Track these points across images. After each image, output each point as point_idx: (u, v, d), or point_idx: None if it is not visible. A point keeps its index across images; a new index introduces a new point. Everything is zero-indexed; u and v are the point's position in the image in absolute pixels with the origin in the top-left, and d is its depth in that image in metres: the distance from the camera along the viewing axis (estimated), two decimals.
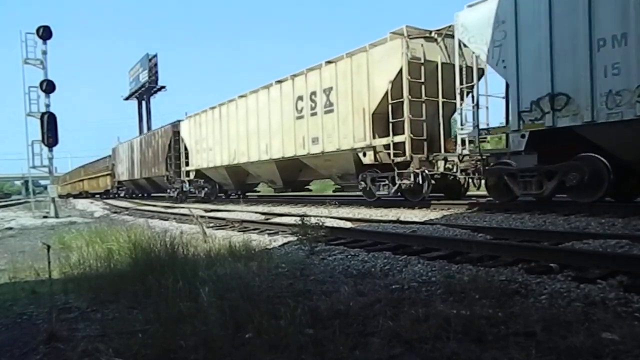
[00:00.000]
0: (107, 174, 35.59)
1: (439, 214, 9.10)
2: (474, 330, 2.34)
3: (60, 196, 50.71)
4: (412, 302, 2.98)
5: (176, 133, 22.50)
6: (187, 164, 21.41)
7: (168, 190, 23.83)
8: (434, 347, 2.22)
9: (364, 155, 11.62)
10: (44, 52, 15.67)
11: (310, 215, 6.30)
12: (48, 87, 15.52)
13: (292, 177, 15.85)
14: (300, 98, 13.66)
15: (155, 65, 51.88)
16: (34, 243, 7.46)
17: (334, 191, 16.60)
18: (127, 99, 58.70)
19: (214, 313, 2.65)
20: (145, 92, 53.89)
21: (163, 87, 52.99)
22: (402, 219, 8.20)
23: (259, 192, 21.82)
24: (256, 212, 11.52)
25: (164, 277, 3.36)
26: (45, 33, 15.47)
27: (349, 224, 7.92)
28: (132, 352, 2.32)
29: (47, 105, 15.60)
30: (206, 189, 20.58)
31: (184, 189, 21.90)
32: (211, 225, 8.83)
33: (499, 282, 3.29)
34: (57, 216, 14.88)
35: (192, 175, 21.28)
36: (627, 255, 3.95)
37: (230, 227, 8.71)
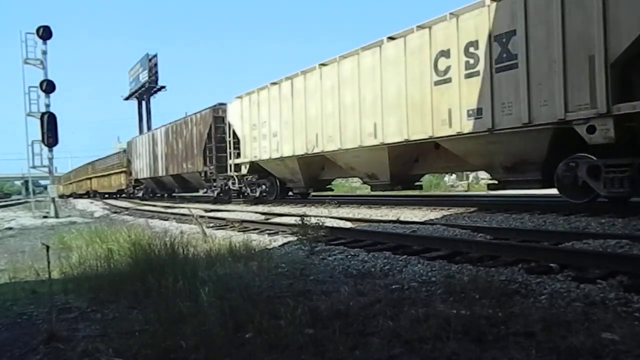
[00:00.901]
0: (121, 171, 31.56)
1: (439, 214, 9.10)
2: (474, 330, 2.34)
3: (63, 196, 49.93)
4: (412, 302, 2.98)
5: (218, 119, 18.30)
6: (238, 156, 16.87)
7: (205, 190, 20.25)
8: (434, 347, 2.22)
9: (591, 130, 7.00)
10: (44, 52, 15.68)
11: (310, 215, 6.30)
12: (48, 87, 15.53)
13: (408, 169, 11.51)
14: (444, 54, 9.26)
15: (155, 65, 51.89)
16: (33, 243, 7.46)
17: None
18: (127, 99, 58.71)
19: (214, 313, 2.65)
20: (145, 92, 53.89)
21: (163, 87, 53.03)
22: (402, 218, 8.21)
23: (332, 190, 16.77)
24: (256, 212, 11.52)
25: (164, 277, 3.36)
26: (45, 33, 15.48)
27: (349, 224, 7.92)
28: (132, 352, 2.32)
29: (47, 105, 15.61)
30: (263, 187, 16.42)
31: (230, 187, 17.91)
32: (211, 225, 8.83)
33: (499, 282, 3.29)
34: (57, 216, 14.89)
35: (244, 170, 16.65)
36: (627, 255, 3.94)
37: (230, 227, 8.70)
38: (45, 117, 15.34)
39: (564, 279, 3.42)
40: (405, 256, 4.56)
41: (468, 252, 4.58)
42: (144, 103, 55.22)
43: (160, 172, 24.22)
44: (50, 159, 16.41)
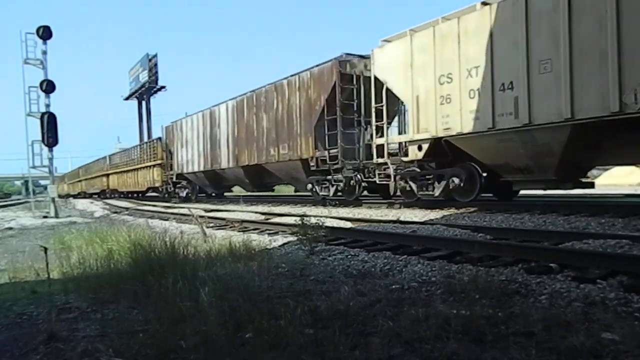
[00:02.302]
0: (153, 165, 24.76)
1: (439, 214, 9.10)
2: (474, 330, 2.34)
3: (68, 196, 48.10)
4: (412, 302, 2.98)
5: (346, 78, 12.09)
6: (399, 133, 11.52)
7: (312, 186, 13.69)
8: (434, 347, 2.22)
9: None
10: (44, 52, 15.70)
11: (310, 215, 6.31)
12: (48, 87, 15.54)
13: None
14: None
15: (155, 65, 51.92)
16: (34, 243, 7.46)
17: None
18: (127, 99, 58.74)
19: (214, 313, 2.65)
20: (145, 92, 53.91)
21: (163, 87, 53.05)
22: (402, 219, 8.21)
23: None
24: (256, 212, 11.51)
25: (164, 277, 3.36)
26: (45, 33, 15.49)
27: (348, 224, 7.92)
28: (132, 352, 2.32)
29: (47, 105, 15.63)
30: (456, 181, 9.60)
31: (378, 180, 11.26)
32: (211, 225, 8.83)
33: (499, 282, 3.29)
34: (57, 216, 14.89)
35: (418, 153, 10.11)
36: (627, 255, 3.95)
37: (230, 227, 8.71)
38: (45, 117, 15.35)
39: (564, 279, 3.41)
40: (405, 256, 4.56)
41: (468, 252, 4.58)
42: (144, 103, 55.25)
43: (224, 164, 17.68)
44: (50, 159, 16.43)
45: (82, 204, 27.33)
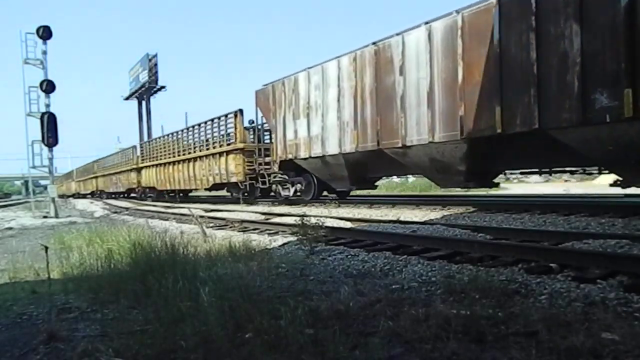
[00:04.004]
0: (228, 151, 16.52)
1: (439, 214, 9.09)
2: (474, 330, 2.34)
3: (76, 195, 43.54)
4: (412, 302, 2.98)
5: None
6: None
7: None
8: (434, 347, 2.22)
9: None
10: (44, 52, 15.70)
11: (310, 215, 6.31)
12: (48, 87, 15.55)
13: None
14: None
15: (155, 65, 51.90)
16: (34, 243, 7.46)
17: None
18: (127, 99, 58.73)
19: (214, 313, 2.65)
20: (145, 92, 53.90)
21: (163, 87, 53.04)
22: (402, 218, 8.21)
23: None
24: (256, 212, 11.51)
25: (164, 277, 3.36)
26: (45, 33, 15.50)
27: (348, 224, 7.92)
28: (132, 352, 2.32)
29: (47, 105, 15.63)
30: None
31: None
32: (211, 225, 8.83)
33: (499, 282, 3.29)
34: (57, 216, 14.89)
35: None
36: (627, 255, 3.94)
37: (230, 227, 8.71)
38: (45, 117, 15.36)
39: (564, 279, 3.42)
40: (405, 256, 4.56)
41: (468, 252, 4.59)
42: (144, 103, 55.25)
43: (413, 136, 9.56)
44: (50, 159, 16.44)
45: (82, 204, 27.30)
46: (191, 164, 20.07)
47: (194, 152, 19.77)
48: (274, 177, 14.98)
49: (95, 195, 37.48)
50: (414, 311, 2.70)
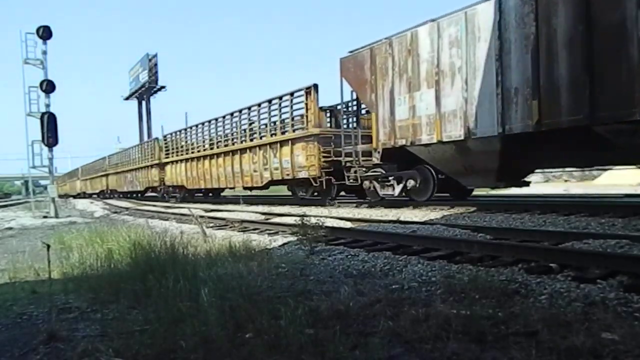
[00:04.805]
0: (301, 139, 13.15)
1: (439, 214, 9.09)
2: (474, 330, 2.34)
3: (83, 194, 40.35)
4: (412, 302, 2.98)
5: None
6: None
7: None
8: (434, 347, 2.22)
9: None
10: (44, 52, 15.71)
11: (310, 215, 6.31)
12: (48, 87, 15.55)
13: None
14: None
15: (155, 65, 52.00)
16: (34, 243, 7.46)
17: None
18: (127, 99, 58.79)
19: (214, 313, 2.65)
20: (145, 92, 53.96)
21: (163, 87, 53.10)
22: (402, 219, 8.20)
23: None
24: (256, 212, 11.51)
25: (164, 277, 3.36)
26: (45, 33, 15.51)
27: (348, 224, 7.92)
28: (132, 352, 2.32)
29: (47, 105, 15.63)
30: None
31: None
32: (211, 225, 8.83)
33: (499, 282, 3.29)
34: (57, 216, 14.90)
35: None
36: (627, 255, 3.94)
37: (230, 227, 8.71)
38: (45, 117, 15.36)
39: (564, 279, 3.41)
40: (405, 256, 4.56)
41: (468, 252, 4.58)
42: (144, 103, 55.29)
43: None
44: (50, 159, 16.45)
45: (82, 204, 27.28)
46: (236, 157, 16.54)
47: (241, 142, 16.27)
48: (364, 172, 11.50)
49: (106, 195, 34.21)
50: (414, 311, 2.70)
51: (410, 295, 3.22)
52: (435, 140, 9.44)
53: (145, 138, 47.59)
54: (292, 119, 13.66)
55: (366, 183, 11.69)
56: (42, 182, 59.63)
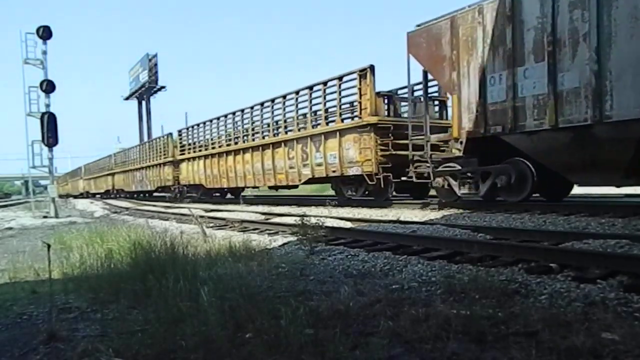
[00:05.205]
0: (352, 129, 11.49)
1: (439, 214, 9.09)
2: (474, 330, 2.34)
3: (87, 194, 39.24)
4: (412, 302, 2.98)
5: None
6: None
7: None
8: (434, 347, 2.22)
9: None
10: (44, 52, 15.70)
11: (310, 215, 6.31)
12: (48, 87, 15.54)
13: None
14: None
15: (155, 65, 52.02)
16: (34, 243, 7.46)
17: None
18: (127, 99, 58.80)
19: (214, 313, 2.65)
20: (145, 92, 53.98)
21: (163, 87, 53.12)
22: (402, 219, 8.20)
23: None
24: (256, 212, 11.51)
25: (164, 277, 3.36)
26: (45, 33, 15.50)
27: (348, 224, 7.92)
28: (132, 352, 2.32)
29: (47, 105, 15.63)
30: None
31: None
32: (211, 225, 8.84)
33: (499, 282, 3.29)
34: (57, 216, 14.89)
35: None
36: (627, 255, 3.95)
37: (230, 227, 8.71)
38: (45, 117, 15.35)
39: (564, 279, 3.42)
40: (405, 256, 4.56)
41: (468, 252, 4.58)
42: (144, 103, 55.30)
43: None
44: (50, 159, 16.44)
45: (82, 204, 27.27)
46: (268, 151, 14.74)
47: (274, 135, 14.59)
48: (435, 167, 9.72)
49: (111, 195, 32.46)
50: (414, 311, 2.70)
51: (410, 295, 3.22)
52: (547, 126, 7.52)
53: (145, 138, 47.60)
54: (340, 107, 12.00)
55: (439, 180, 9.78)
56: (42, 182, 59.64)
